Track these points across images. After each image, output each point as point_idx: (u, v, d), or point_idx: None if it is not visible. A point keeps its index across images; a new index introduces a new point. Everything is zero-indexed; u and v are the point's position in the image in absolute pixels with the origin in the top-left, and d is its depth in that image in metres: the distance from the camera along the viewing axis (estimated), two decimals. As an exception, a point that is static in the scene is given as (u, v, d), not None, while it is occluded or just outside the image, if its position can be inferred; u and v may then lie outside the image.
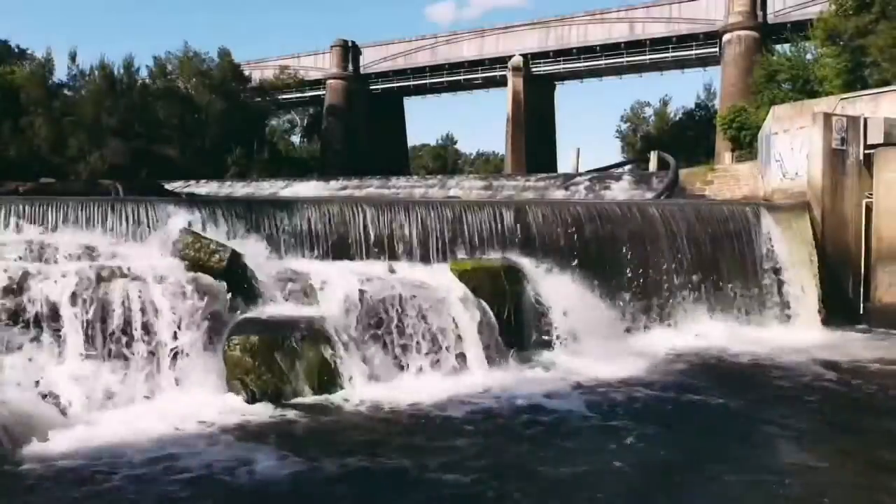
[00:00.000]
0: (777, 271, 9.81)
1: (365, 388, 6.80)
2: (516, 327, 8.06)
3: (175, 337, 6.51)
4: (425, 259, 8.45)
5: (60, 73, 49.94)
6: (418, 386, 7.00)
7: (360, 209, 8.35)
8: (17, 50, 65.48)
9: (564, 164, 72.55)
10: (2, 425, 5.18)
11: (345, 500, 4.74)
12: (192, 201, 7.88)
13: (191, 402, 6.20)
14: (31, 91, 42.59)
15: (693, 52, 59.29)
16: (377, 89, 71.25)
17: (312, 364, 6.67)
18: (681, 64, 62.25)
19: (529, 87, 64.13)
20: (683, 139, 74.60)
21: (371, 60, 69.77)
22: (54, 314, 6.23)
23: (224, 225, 7.82)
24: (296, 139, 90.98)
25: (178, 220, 7.59)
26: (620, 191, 20.10)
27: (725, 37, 55.37)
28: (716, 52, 57.96)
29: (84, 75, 45.97)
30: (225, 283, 7.03)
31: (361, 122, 70.95)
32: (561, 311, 8.29)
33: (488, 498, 4.75)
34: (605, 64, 62.07)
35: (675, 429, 6.24)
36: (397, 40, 68.72)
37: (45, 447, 5.26)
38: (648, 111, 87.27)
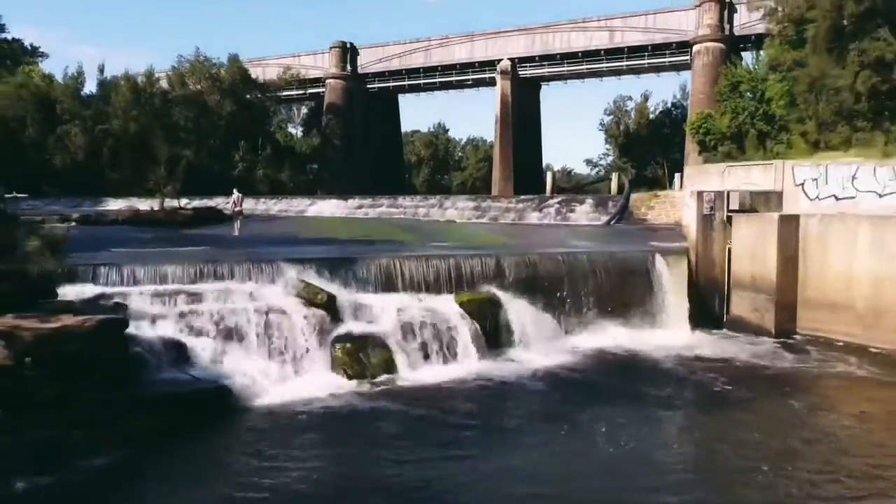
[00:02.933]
0: (663, 295, 15.29)
1: (408, 372, 12.21)
2: (494, 335, 13.48)
3: (304, 343, 11.90)
4: (438, 292, 13.83)
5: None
6: (437, 370, 12.41)
7: (399, 262, 13.73)
8: (30, 48, 69.46)
9: (549, 157, 77.29)
10: (236, 390, 10.54)
11: (401, 424, 10.10)
12: (300, 260, 13.18)
13: (316, 380, 11.57)
14: (66, 102, 47.11)
15: (667, 59, 64.18)
16: (374, 88, 75.68)
17: (379, 359, 12.07)
18: (656, 69, 67.27)
19: (516, 89, 68.79)
20: (661, 136, 79.93)
21: (368, 61, 74.09)
22: (242, 332, 11.60)
23: (320, 274, 13.16)
24: (292, 128, 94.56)
25: (292, 272, 12.93)
26: (582, 213, 25.49)
27: (695, 47, 60.15)
28: (688, 59, 62.58)
29: (111, 85, 50.52)
30: (327, 313, 12.40)
31: (359, 119, 75.36)
32: (522, 324, 13.74)
33: (480, 426, 10.16)
34: (587, 69, 66.84)
35: (585, 393, 11.69)
36: (393, 42, 73.12)
37: (253, 404, 10.61)
38: (630, 104, 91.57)
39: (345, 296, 12.93)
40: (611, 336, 14.56)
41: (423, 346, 12.69)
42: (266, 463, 8.64)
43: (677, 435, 10.48)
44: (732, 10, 59.37)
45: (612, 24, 63.27)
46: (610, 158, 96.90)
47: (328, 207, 30.65)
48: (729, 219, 15.87)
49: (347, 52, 74.39)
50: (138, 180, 41.52)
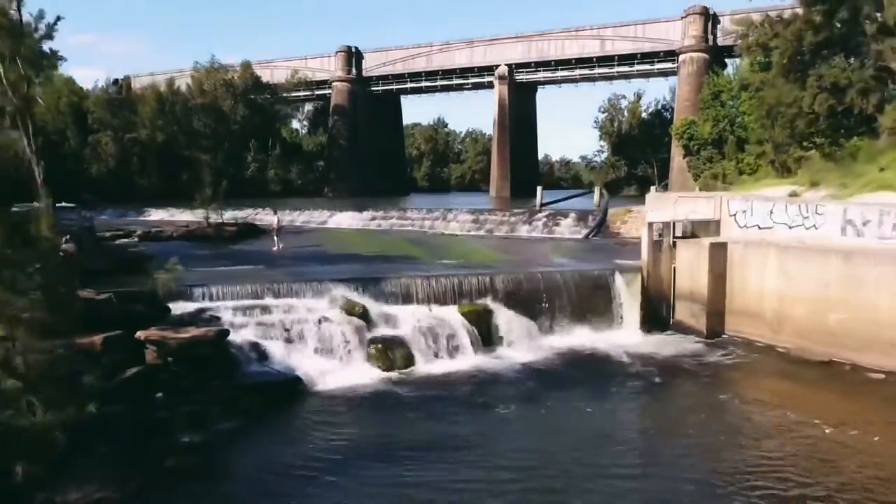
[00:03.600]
0: (621, 304, 19.57)
1: (423, 365, 16.51)
2: (487, 337, 17.78)
3: (348, 343, 16.18)
4: (445, 303, 18.10)
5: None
6: (444, 364, 16.71)
7: (414, 281, 18.01)
8: (49, 51, 72.77)
9: (549, 149, 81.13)
10: (304, 378, 14.82)
11: (419, 402, 14.40)
12: (341, 280, 17.45)
13: (357, 371, 15.87)
14: (97, 112, 51.01)
15: (655, 66, 68.29)
16: (378, 90, 79.65)
17: (402, 355, 16.37)
18: (645, 76, 71.43)
19: (513, 93, 72.77)
20: (651, 136, 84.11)
21: (372, 65, 77.98)
22: (302, 336, 15.88)
23: (356, 290, 17.44)
24: (296, 123, 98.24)
25: (337, 291, 17.21)
26: (566, 227, 29.70)
27: (681, 57, 64.22)
28: (675, 66, 66.62)
29: (133, 92, 54.48)
30: (363, 321, 16.68)
31: (364, 120, 79.41)
32: (508, 328, 18.03)
33: (476, 404, 14.47)
34: (580, 74, 70.91)
35: (556, 380, 15.99)
36: (396, 47, 76.92)
37: (315, 389, 14.90)
38: (624, 102, 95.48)
39: (375, 307, 17.24)
40: (578, 337, 18.86)
41: (434, 346, 16.98)
42: (329, 428, 12.98)
43: (623, 410, 14.76)
44: (716, 22, 63.31)
45: (604, 34, 67.26)
46: (604, 155, 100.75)
47: (345, 219, 34.71)
48: (674, 244, 20.10)
49: (353, 56, 78.27)
50: (165, 188, 45.51)
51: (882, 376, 15.60)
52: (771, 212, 19.61)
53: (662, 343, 19.09)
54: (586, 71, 70.48)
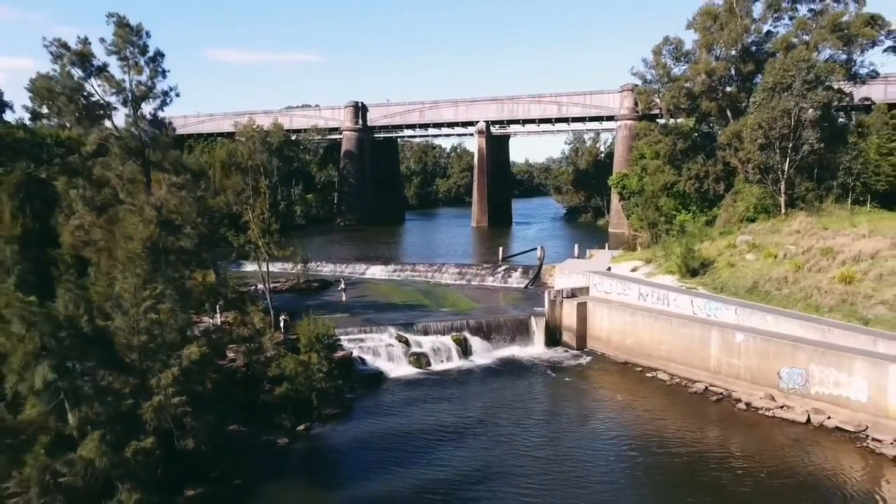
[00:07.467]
0: (534, 333, 38.91)
1: (435, 365, 36.03)
2: (465, 351, 37.46)
3: (400, 355, 35.37)
4: (444, 334, 37.47)
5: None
6: (445, 365, 36.32)
7: (429, 323, 37.32)
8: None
9: (526, 151, 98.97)
10: (383, 372, 33.94)
11: (434, 381, 33.77)
12: (393, 323, 36.74)
13: (405, 369, 35.40)
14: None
15: (601, 126, 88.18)
16: (380, 137, 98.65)
17: (425, 360, 35.87)
18: (593, 131, 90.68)
19: (490, 143, 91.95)
20: (604, 176, 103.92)
21: (375, 116, 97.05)
22: (379, 352, 35.04)
23: (402, 329, 36.67)
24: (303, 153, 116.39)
25: (393, 330, 36.48)
26: (515, 278, 49.07)
27: (618, 122, 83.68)
28: (615, 127, 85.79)
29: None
30: (406, 344, 35.90)
31: (368, 160, 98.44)
32: (475, 346, 37.51)
33: (459, 382, 33.84)
34: (542, 129, 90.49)
35: (499, 372, 35.48)
36: (395, 103, 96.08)
37: (388, 377, 34.09)
38: (586, 137, 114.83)
39: (411, 337, 36.54)
40: (511, 350, 38.35)
41: (439, 355, 36.21)
42: (397, 391, 32.51)
43: (531, 385, 34.34)
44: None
45: (560, 100, 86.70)
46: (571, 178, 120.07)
47: (377, 271, 53.41)
48: (562, 301, 39.46)
49: (359, 110, 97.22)
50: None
51: (640, 369, 35.10)
52: (610, 285, 39.10)
53: (554, 353, 38.55)
54: (548, 126, 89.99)
